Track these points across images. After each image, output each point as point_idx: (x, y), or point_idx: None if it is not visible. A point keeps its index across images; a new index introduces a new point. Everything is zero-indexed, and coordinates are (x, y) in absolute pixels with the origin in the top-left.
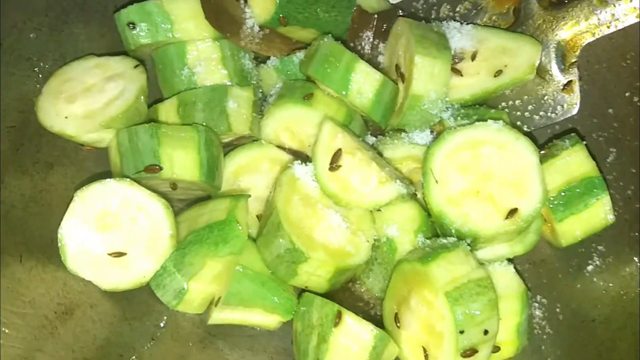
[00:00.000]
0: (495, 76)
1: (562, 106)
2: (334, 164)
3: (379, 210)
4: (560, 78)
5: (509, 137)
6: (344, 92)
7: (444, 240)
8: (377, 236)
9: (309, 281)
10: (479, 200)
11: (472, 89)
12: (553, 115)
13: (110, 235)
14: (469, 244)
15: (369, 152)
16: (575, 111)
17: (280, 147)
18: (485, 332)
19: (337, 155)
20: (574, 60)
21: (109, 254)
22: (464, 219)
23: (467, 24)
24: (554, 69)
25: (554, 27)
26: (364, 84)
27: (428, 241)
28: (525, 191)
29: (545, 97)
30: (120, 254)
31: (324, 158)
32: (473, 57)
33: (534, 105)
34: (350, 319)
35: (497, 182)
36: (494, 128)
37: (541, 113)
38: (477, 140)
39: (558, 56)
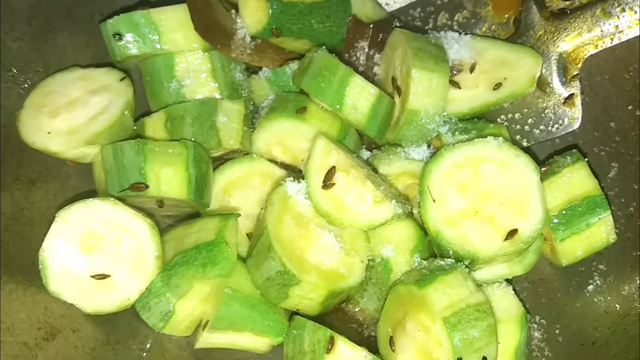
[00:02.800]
0: (494, 89)
1: (563, 120)
2: (327, 182)
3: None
4: (561, 91)
5: (509, 155)
6: (338, 107)
7: (441, 262)
8: (371, 256)
9: (301, 304)
10: (478, 220)
11: (470, 103)
12: (554, 129)
13: (93, 257)
14: (466, 265)
15: (363, 169)
16: (576, 125)
17: (272, 161)
18: (484, 358)
19: (330, 173)
20: (575, 73)
21: (93, 276)
22: (462, 240)
23: (466, 34)
24: (555, 81)
25: (555, 38)
26: (359, 98)
27: (425, 262)
28: (526, 211)
29: (546, 111)
30: (104, 276)
31: (317, 176)
32: (472, 69)
33: (534, 118)
34: (343, 345)
35: (496, 201)
36: (494, 145)
37: (541, 127)
38: (477, 157)
39: (559, 68)
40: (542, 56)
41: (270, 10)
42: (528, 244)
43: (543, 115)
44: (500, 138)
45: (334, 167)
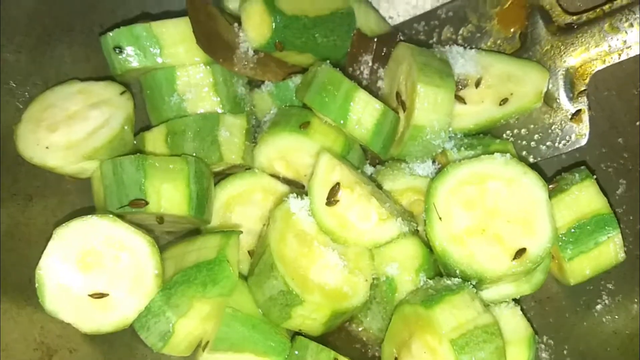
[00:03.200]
0: (500, 104)
1: (570, 137)
2: (331, 199)
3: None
4: (568, 107)
5: (517, 171)
6: (342, 122)
7: (448, 281)
8: (376, 274)
9: (304, 324)
10: (485, 239)
11: (476, 118)
12: (561, 145)
13: (91, 275)
14: (473, 285)
15: (368, 186)
16: (584, 142)
17: (274, 176)
18: None
19: (334, 189)
20: (583, 88)
21: (90, 295)
22: (469, 259)
23: (471, 48)
24: (562, 97)
25: (562, 53)
26: (363, 113)
27: (431, 281)
28: (534, 230)
29: (553, 127)
30: (102, 295)
31: (320, 192)
32: (477, 84)
33: (540, 134)
34: None
35: (504, 219)
36: (501, 161)
37: (548, 143)
38: (483, 174)
39: (566, 84)
40: (548, 71)
41: (274, 24)
42: (537, 263)
43: (550, 131)
44: (507, 154)
45: (338, 183)
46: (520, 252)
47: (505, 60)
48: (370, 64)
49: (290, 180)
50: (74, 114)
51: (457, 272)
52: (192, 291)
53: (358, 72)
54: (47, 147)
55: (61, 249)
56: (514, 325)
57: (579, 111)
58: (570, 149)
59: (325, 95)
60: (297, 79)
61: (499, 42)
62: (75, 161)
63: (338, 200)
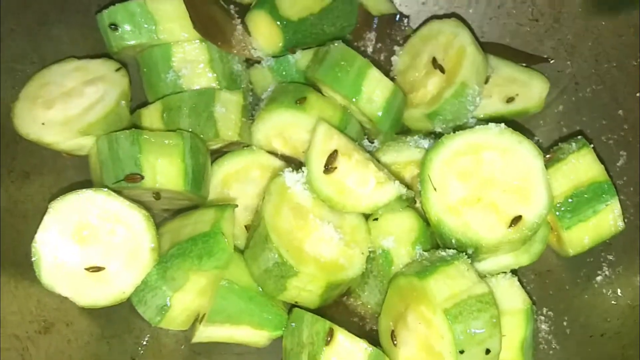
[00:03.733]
0: (507, 102)
1: None
2: (329, 166)
3: (375, 219)
4: None
5: (511, 141)
6: (355, 99)
7: (443, 253)
8: (372, 248)
9: (299, 296)
10: (481, 208)
11: (484, 109)
12: None
13: (87, 249)
14: (469, 255)
15: (365, 153)
16: None
17: (273, 153)
18: (487, 351)
19: (332, 157)
20: None
21: (87, 269)
22: (465, 228)
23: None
24: None
25: None
26: (374, 91)
27: (426, 253)
28: (530, 198)
29: None
30: (98, 269)
31: (318, 160)
32: (486, 81)
33: None
34: (342, 337)
35: (499, 188)
36: (495, 131)
37: None
38: (478, 144)
39: None
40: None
41: (284, 33)
42: (533, 230)
43: None
44: (502, 124)
45: (336, 150)
46: (516, 219)
47: (512, 66)
48: (373, 42)
49: (288, 156)
50: (70, 91)
51: (453, 241)
52: (187, 264)
53: (362, 49)
54: (43, 124)
55: (57, 223)
56: (511, 295)
57: None
58: None
59: (339, 71)
60: (297, 54)
61: None
62: (71, 137)
63: (336, 167)
